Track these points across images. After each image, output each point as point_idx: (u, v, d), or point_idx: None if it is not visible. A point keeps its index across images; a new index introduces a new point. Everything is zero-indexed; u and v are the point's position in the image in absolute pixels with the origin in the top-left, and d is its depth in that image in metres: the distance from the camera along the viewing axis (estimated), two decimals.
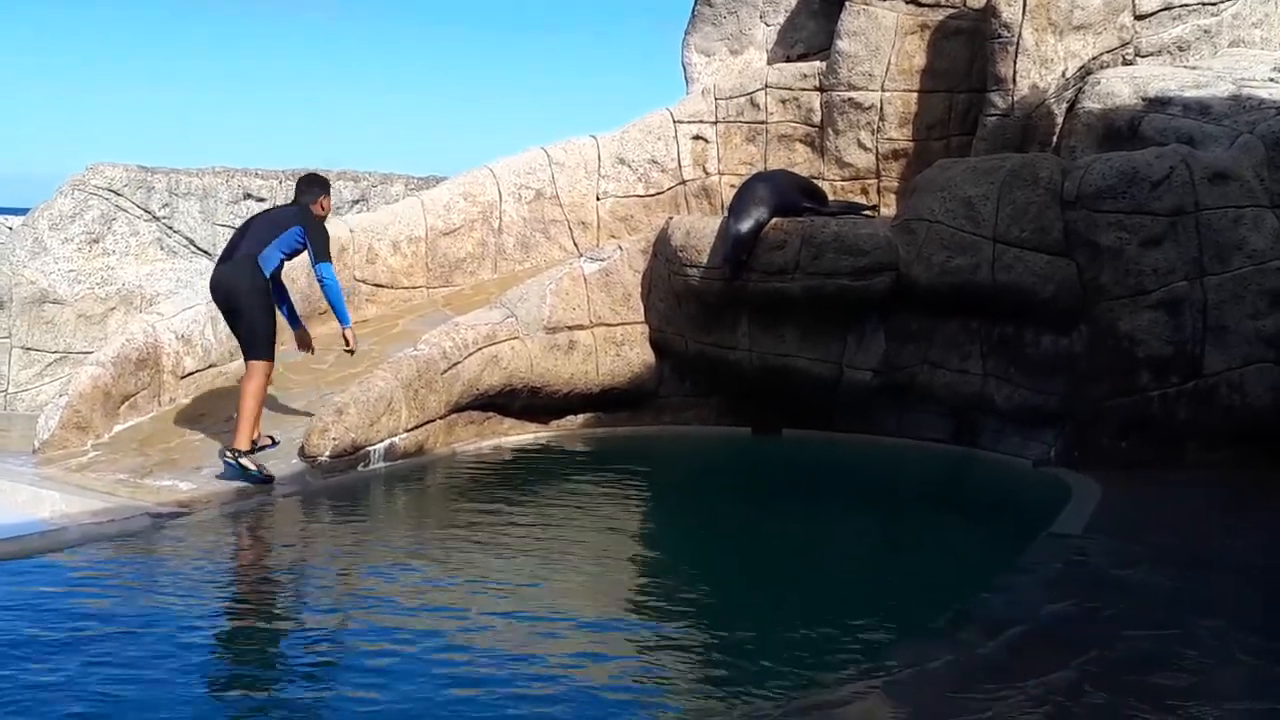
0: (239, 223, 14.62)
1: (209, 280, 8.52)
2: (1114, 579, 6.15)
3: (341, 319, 8.53)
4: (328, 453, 8.33)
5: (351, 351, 8.82)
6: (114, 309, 14.27)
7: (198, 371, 9.83)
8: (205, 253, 14.68)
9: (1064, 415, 8.94)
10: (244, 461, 8.02)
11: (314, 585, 6.30)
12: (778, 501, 8.38)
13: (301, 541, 7.24)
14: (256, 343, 8.22)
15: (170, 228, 14.62)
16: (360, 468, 8.53)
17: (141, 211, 14.49)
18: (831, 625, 5.69)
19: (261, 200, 14.85)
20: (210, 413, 9.38)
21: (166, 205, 14.44)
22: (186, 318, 9.87)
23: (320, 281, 8.34)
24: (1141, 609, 5.66)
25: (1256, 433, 8.43)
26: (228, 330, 9.93)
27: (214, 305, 8.85)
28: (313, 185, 8.67)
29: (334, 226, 11.17)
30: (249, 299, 8.19)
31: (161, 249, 14.69)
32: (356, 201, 15.43)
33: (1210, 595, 5.90)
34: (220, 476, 8.11)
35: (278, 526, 7.57)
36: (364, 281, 10.93)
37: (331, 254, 8.44)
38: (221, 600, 5.97)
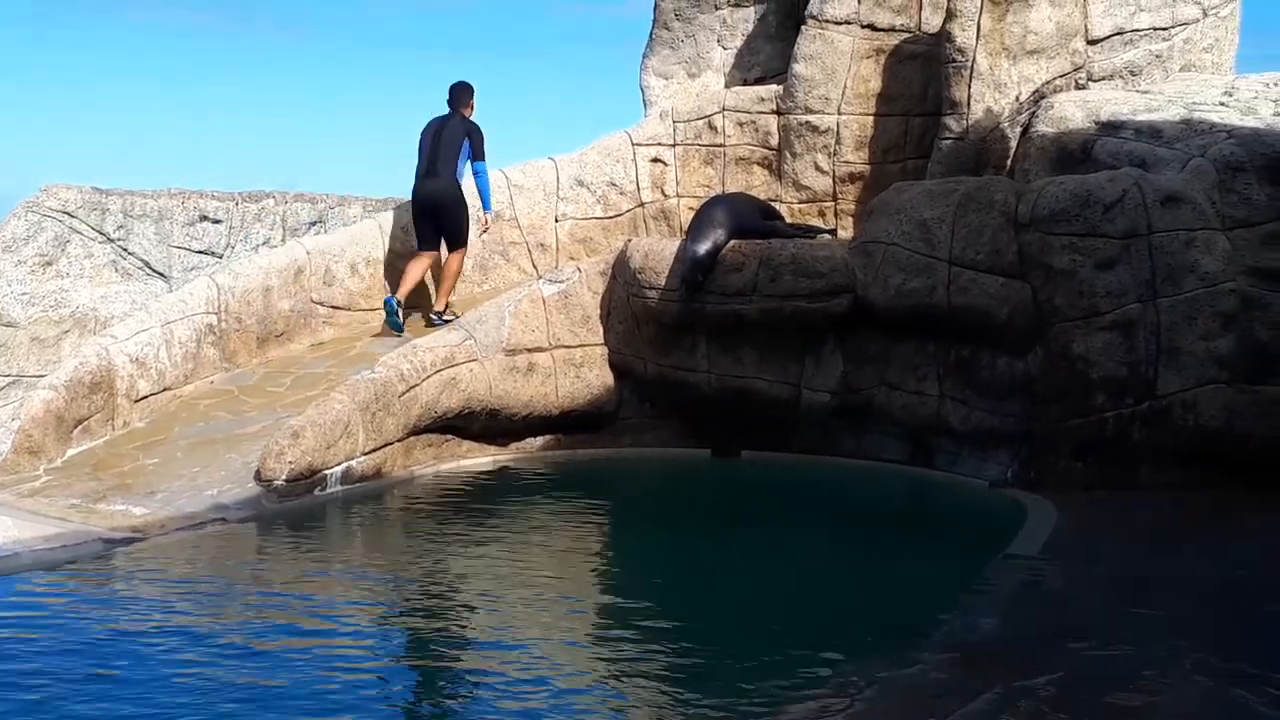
0: (195, 245, 14.57)
1: (414, 190, 10.85)
2: (1070, 600, 6.20)
3: (485, 205, 10.93)
4: (284, 477, 8.27)
5: (485, 233, 11.14)
6: (68, 332, 14.08)
7: (152, 395, 9.74)
8: (161, 275, 14.54)
9: (1020, 437, 9.00)
10: (448, 318, 10.52)
11: (268, 611, 6.23)
12: (736, 524, 8.38)
13: (256, 567, 7.17)
14: (460, 238, 10.87)
15: (125, 250, 14.45)
16: (317, 492, 8.47)
17: (96, 234, 14.32)
18: (790, 648, 5.69)
19: (217, 222, 14.73)
20: (165, 436, 9.30)
21: (121, 227, 14.27)
22: (141, 340, 9.78)
23: (475, 174, 10.85)
24: (1098, 629, 5.69)
25: (1210, 453, 8.51)
26: (183, 353, 9.96)
27: (169, 327, 9.96)
28: (463, 93, 11.05)
29: (290, 249, 11.16)
30: (453, 209, 10.81)
31: (116, 271, 14.51)
32: (314, 223, 15.31)
33: (1166, 615, 5.95)
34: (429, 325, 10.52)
35: (233, 552, 7.50)
36: (321, 304, 10.87)
37: (485, 154, 10.86)
38: (175, 626, 5.89)
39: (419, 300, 11.10)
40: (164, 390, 9.81)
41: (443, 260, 11.03)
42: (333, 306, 10.94)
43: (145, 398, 9.69)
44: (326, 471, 8.51)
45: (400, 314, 10.61)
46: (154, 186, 15.02)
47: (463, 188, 10.81)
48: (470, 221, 10.93)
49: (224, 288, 10.34)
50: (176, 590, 6.56)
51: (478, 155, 10.80)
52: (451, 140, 10.80)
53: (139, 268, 14.40)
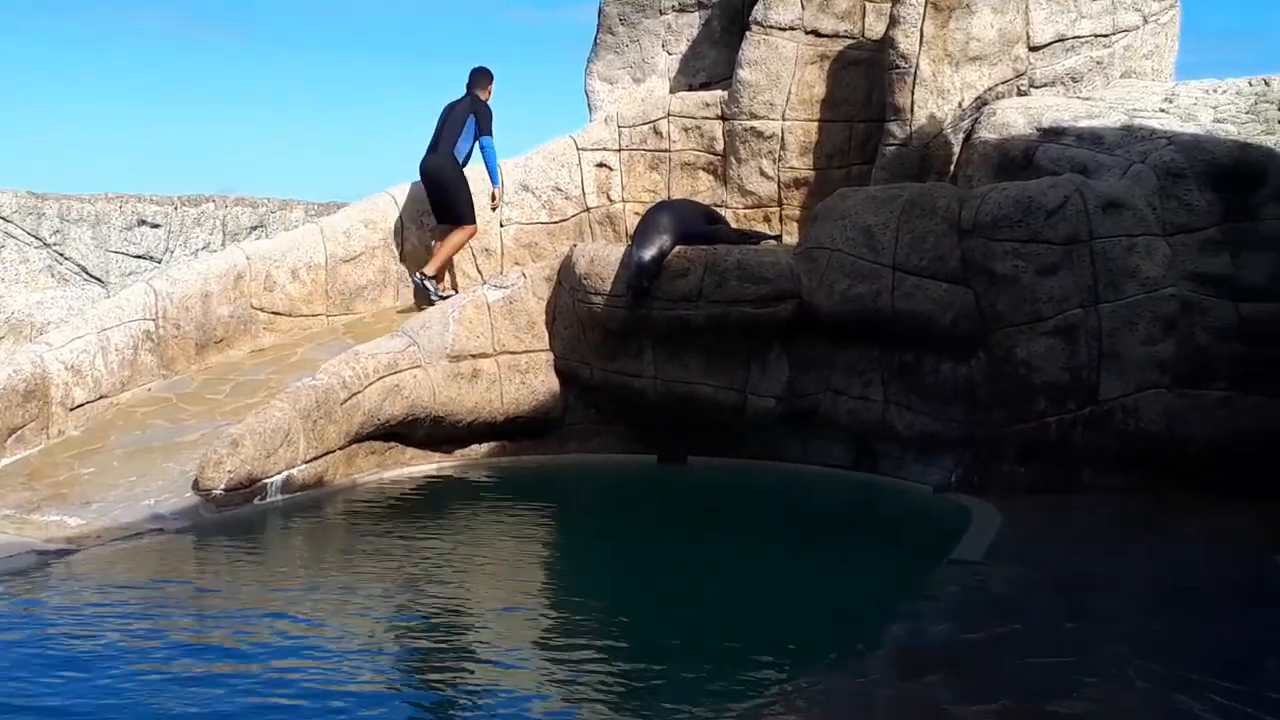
0: (133, 250, 14.36)
1: (420, 166, 11.11)
2: (1014, 605, 6.21)
3: (492, 179, 11.23)
4: (222, 486, 8.14)
5: (495, 208, 11.38)
6: (2, 338, 13.83)
7: (88, 403, 9.58)
8: (98, 280, 14.33)
9: (964, 441, 9.03)
10: (429, 284, 10.69)
11: (206, 625, 6.11)
12: (681, 530, 8.35)
13: (193, 579, 7.06)
14: (463, 214, 11.04)
15: (61, 255, 14.23)
16: (257, 501, 8.35)
17: (31, 238, 14.09)
18: (735, 656, 5.67)
19: (156, 226, 14.53)
20: (101, 445, 9.14)
21: (58, 232, 14.05)
22: (76, 348, 9.61)
23: (482, 149, 11.05)
24: (1042, 635, 5.70)
25: (1151, 457, 8.58)
26: (119, 360, 9.81)
27: (106, 334, 9.83)
28: (480, 76, 11.32)
29: (230, 254, 11.01)
30: (450, 184, 11.00)
31: (52, 276, 14.28)
32: (254, 228, 15.15)
33: (1109, 621, 5.97)
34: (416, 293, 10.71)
35: (169, 563, 7.38)
36: (261, 309, 10.72)
37: (492, 130, 11.09)
38: (110, 642, 5.76)
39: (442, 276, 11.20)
40: (100, 398, 9.65)
41: (493, 228, 11.44)
42: (273, 312, 10.80)
43: (81, 406, 9.53)
44: (266, 480, 8.39)
45: (434, 288, 10.78)
46: (91, 190, 14.81)
47: (462, 165, 11.01)
48: (469, 195, 11.08)
49: (162, 293, 10.18)
50: (112, 604, 6.40)
51: (484, 131, 11.01)
52: (457, 119, 11.06)
53: (75, 273, 14.18)
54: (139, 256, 14.37)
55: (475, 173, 11.27)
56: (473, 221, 11.11)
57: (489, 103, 11.26)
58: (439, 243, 11.17)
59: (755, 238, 10.74)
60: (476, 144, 11.06)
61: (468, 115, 11.06)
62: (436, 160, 11.03)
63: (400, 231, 11.40)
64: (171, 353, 10.14)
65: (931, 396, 9.18)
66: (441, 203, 11.11)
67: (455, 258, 11.27)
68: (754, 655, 5.63)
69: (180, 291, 10.27)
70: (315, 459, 8.78)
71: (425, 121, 10.73)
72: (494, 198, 11.30)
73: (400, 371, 9.42)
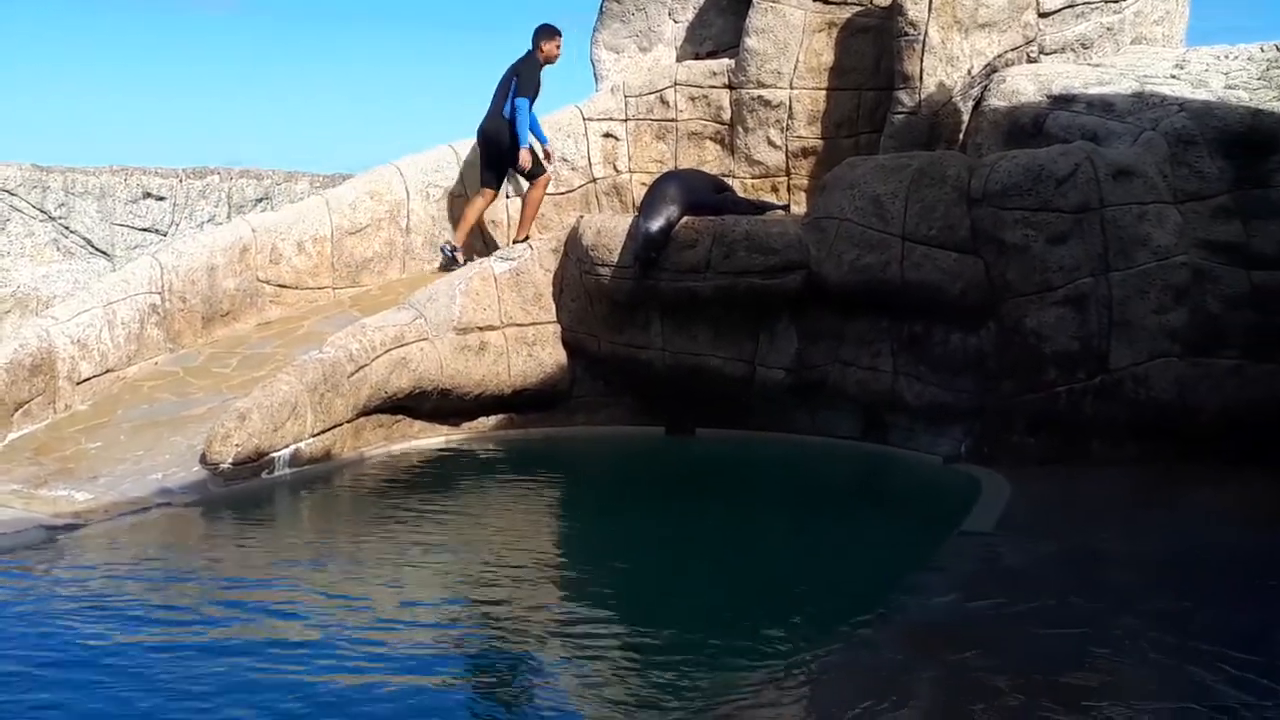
0: (138, 223, 14.33)
1: (478, 128, 11.08)
2: (1025, 577, 6.19)
3: (519, 140, 10.81)
4: (230, 460, 8.12)
5: (545, 160, 11.20)
6: (9, 312, 13.83)
7: (94, 377, 9.55)
8: (104, 253, 14.31)
9: (974, 412, 8.99)
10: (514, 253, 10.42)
11: (213, 599, 6.10)
12: (690, 502, 8.32)
13: (201, 553, 7.04)
14: (530, 171, 10.91)
15: (67, 228, 14.20)
16: (264, 475, 8.33)
17: (37, 211, 14.06)
18: (744, 628, 5.65)
19: (161, 199, 14.50)
20: (109, 420, 9.12)
21: (63, 205, 14.03)
22: (83, 321, 9.58)
23: (513, 109, 10.80)
24: (1053, 607, 5.68)
25: (1162, 427, 8.53)
26: (125, 333, 9.79)
27: (112, 308, 9.82)
28: (536, 33, 11.05)
29: (235, 226, 10.96)
30: (503, 144, 10.84)
31: (58, 250, 14.26)
32: (260, 200, 15.10)
33: (1121, 591, 5.95)
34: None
35: (178, 538, 7.37)
36: (268, 282, 10.69)
37: (530, 93, 10.86)
38: (120, 617, 5.76)
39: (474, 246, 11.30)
40: (107, 372, 9.63)
41: (500, 200, 11.34)
42: (279, 285, 10.76)
43: (87, 380, 9.50)
44: (274, 454, 8.37)
45: (459, 258, 10.81)
46: (96, 163, 14.78)
47: (521, 136, 10.85)
48: (527, 154, 10.94)
49: (167, 267, 10.14)
50: (120, 578, 6.40)
51: (520, 92, 10.83)
52: (507, 79, 10.96)
53: (81, 246, 14.16)
54: (144, 229, 14.34)
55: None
56: (543, 172, 11.03)
57: (552, 59, 11.09)
58: (467, 207, 11.10)
59: (763, 208, 10.66)
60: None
61: (512, 75, 10.94)
62: (489, 122, 10.93)
63: (406, 203, 11.34)
64: (178, 326, 10.11)
65: (941, 367, 9.13)
66: (502, 163, 11.01)
67: (472, 226, 11.22)
68: (763, 628, 5.60)
69: (186, 265, 10.23)
70: (322, 432, 8.76)
71: (430, 92, 10.63)
72: (522, 159, 10.96)
73: (407, 344, 9.39)
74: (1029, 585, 6.02)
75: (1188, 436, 8.50)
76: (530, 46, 11.08)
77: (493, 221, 11.55)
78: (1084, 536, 6.91)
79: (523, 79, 10.87)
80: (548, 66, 11.14)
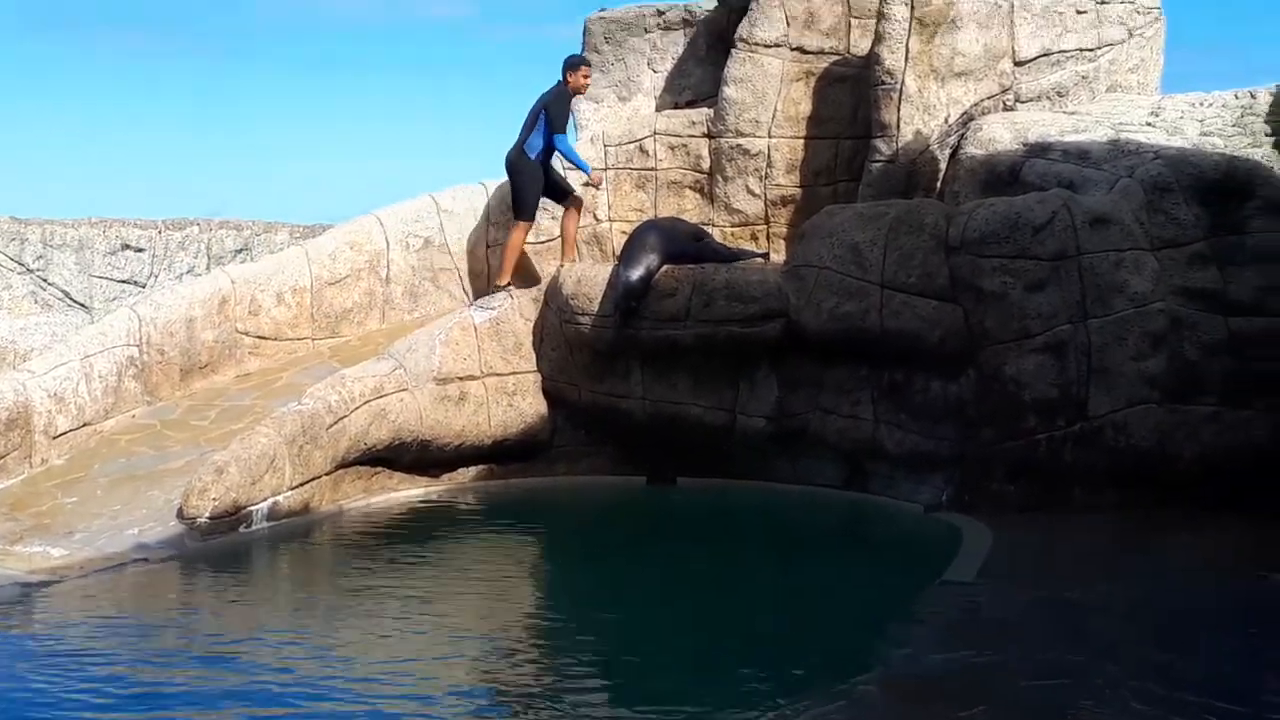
0: (117, 274, 14.30)
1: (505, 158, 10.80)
2: (1008, 626, 6.15)
3: (580, 167, 10.74)
4: (207, 514, 8.06)
5: (596, 185, 11.07)
6: None
7: (71, 431, 9.47)
8: (82, 305, 14.26)
9: (954, 460, 8.98)
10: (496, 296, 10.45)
11: (188, 659, 6.02)
12: (670, 553, 8.28)
13: (178, 610, 6.97)
14: (517, 209, 10.73)
15: (45, 280, 14.17)
16: (242, 529, 8.27)
17: (14, 264, 14.04)
18: (727, 680, 5.62)
19: (140, 250, 14.48)
20: (85, 474, 9.05)
21: (41, 257, 14.00)
22: (59, 375, 9.52)
23: (557, 147, 10.61)
24: (1036, 657, 5.65)
25: (1142, 474, 8.54)
26: (103, 387, 9.74)
27: (89, 361, 9.75)
28: (564, 65, 10.87)
29: (214, 278, 10.92)
30: (512, 175, 10.69)
31: (36, 302, 14.23)
32: (239, 251, 15.11)
33: (1104, 641, 5.92)
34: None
35: (153, 595, 7.30)
36: (246, 334, 10.64)
37: (561, 128, 10.66)
38: (93, 674, 5.68)
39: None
40: (83, 426, 9.56)
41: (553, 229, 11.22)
42: (259, 336, 10.72)
43: (64, 434, 9.43)
44: (252, 508, 8.32)
45: (513, 293, 10.59)
46: (75, 215, 14.77)
47: (535, 159, 10.59)
48: (532, 190, 10.68)
49: (145, 319, 10.10)
50: (96, 635, 6.32)
51: (554, 128, 10.59)
52: (533, 113, 10.73)
53: (59, 298, 14.11)
54: (123, 281, 14.32)
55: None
56: (524, 218, 10.73)
57: (580, 89, 10.97)
58: (506, 249, 10.91)
59: (742, 256, 10.68)
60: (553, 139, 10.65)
61: (540, 109, 10.70)
62: (515, 154, 10.71)
63: (386, 254, 11.33)
64: (156, 379, 10.06)
65: (921, 415, 9.14)
66: (511, 196, 10.88)
67: (441, 279, 11.19)
68: (746, 680, 5.57)
69: (164, 316, 10.19)
70: (301, 485, 8.70)
71: (409, 142, 10.62)
72: (594, 181, 10.87)
73: (387, 395, 9.35)
74: (1011, 635, 5.99)
75: (1167, 483, 8.51)
76: (560, 78, 10.89)
77: (472, 271, 11.52)
78: (1066, 585, 6.88)
79: (552, 113, 10.63)
80: (578, 95, 11.09)
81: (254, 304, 10.71)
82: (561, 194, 10.92)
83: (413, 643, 6.30)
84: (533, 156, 10.55)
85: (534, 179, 10.62)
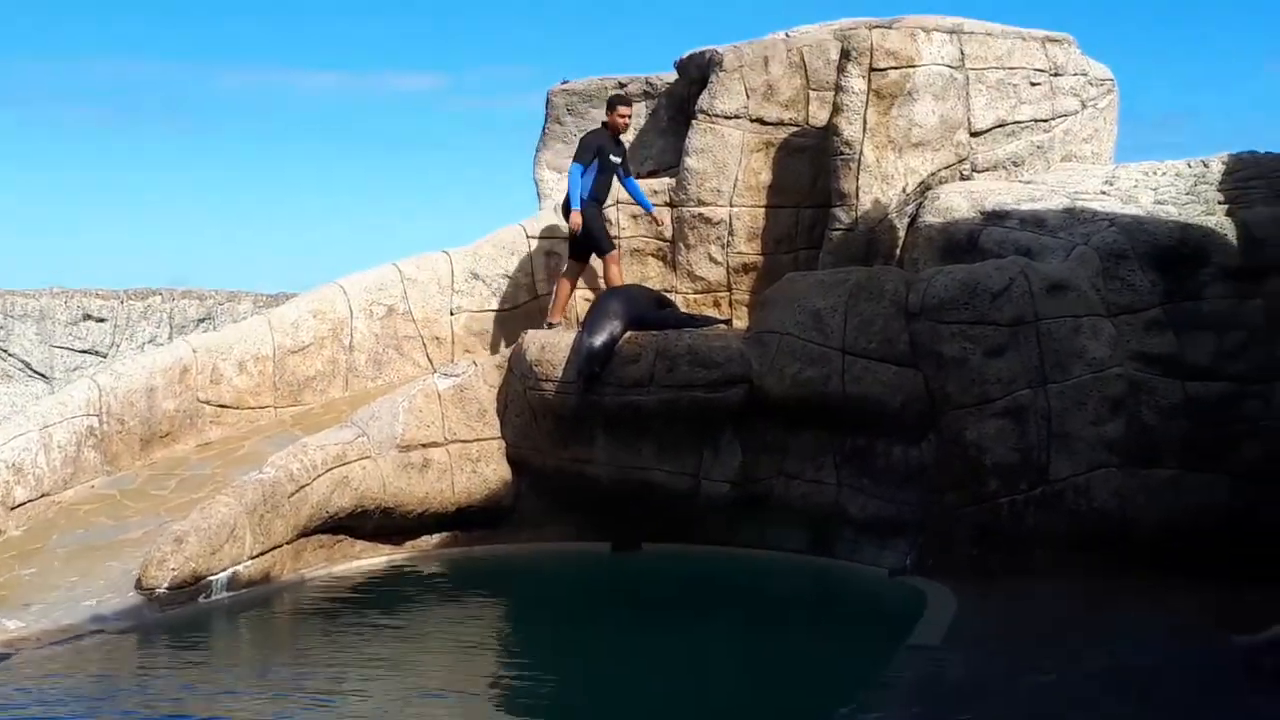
0: (78, 345, 14.23)
1: None
2: (974, 691, 6.15)
3: (571, 204, 10.67)
4: (166, 584, 7.97)
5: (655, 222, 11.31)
6: None
7: (29, 501, 9.38)
8: (42, 376, 14.16)
9: (917, 524, 9.01)
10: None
11: None
12: (634, 622, 8.25)
13: (135, 682, 6.86)
14: (599, 249, 10.87)
15: (5, 351, 14.07)
16: (201, 599, 8.17)
17: None
18: None
19: (102, 320, 14.40)
20: (43, 545, 8.94)
21: (0, 328, 13.90)
22: (18, 445, 9.44)
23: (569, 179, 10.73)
24: None
25: (1104, 537, 8.59)
26: (62, 457, 9.66)
27: (48, 431, 9.66)
28: (606, 104, 11.24)
29: (175, 347, 10.89)
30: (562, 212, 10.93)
31: None
32: (202, 320, 15.06)
33: (1069, 705, 5.92)
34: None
35: (111, 666, 7.18)
36: (208, 402, 10.59)
37: (583, 159, 10.71)
38: None
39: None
40: (42, 496, 9.46)
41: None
42: (220, 405, 10.67)
43: (22, 505, 9.33)
44: (211, 578, 8.23)
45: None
46: (35, 285, 14.69)
47: (577, 200, 10.66)
48: (592, 230, 10.80)
49: (105, 388, 10.04)
50: (51, 708, 6.22)
51: (575, 158, 10.81)
52: None
53: (19, 369, 14.00)
54: (84, 351, 14.24)
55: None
56: (608, 250, 10.87)
57: (617, 129, 11.01)
58: (558, 288, 11.09)
59: (705, 322, 10.74)
60: (594, 174, 10.80)
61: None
62: (564, 201, 10.94)
63: (350, 322, 11.33)
64: (115, 448, 9.98)
65: (884, 479, 9.17)
66: (577, 239, 10.91)
67: (404, 347, 11.21)
68: None
69: (124, 386, 10.13)
70: (262, 554, 8.63)
71: (373, 212, 10.68)
72: (573, 222, 10.81)
73: (349, 463, 9.31)
74: (977, 700, 5.99)
75: (1130, 547, 8.56)
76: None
77: (435, 338, 11.52)
78: (1030, 650, 6.90)
79: (580, 147, 10.87)
80: (617, 133, 11.10)
81: (216, 373, 10.67)
82: (584, 251, 10.94)
83: (375, 711, 6.23)
84: (585, 197, 10.70)
85: (592, 217, 10.74)
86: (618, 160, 11.01)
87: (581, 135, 11.16)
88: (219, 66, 55.73)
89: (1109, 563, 8.51)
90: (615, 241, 11.18)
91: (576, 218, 10.69)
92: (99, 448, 9.90)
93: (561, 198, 11.31)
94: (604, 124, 11.09)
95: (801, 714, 6.11)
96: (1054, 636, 7.21)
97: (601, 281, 11.12)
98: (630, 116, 11.23)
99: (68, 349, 14.05)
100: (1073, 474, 8.65)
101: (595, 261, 11.10)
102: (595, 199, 10.82)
